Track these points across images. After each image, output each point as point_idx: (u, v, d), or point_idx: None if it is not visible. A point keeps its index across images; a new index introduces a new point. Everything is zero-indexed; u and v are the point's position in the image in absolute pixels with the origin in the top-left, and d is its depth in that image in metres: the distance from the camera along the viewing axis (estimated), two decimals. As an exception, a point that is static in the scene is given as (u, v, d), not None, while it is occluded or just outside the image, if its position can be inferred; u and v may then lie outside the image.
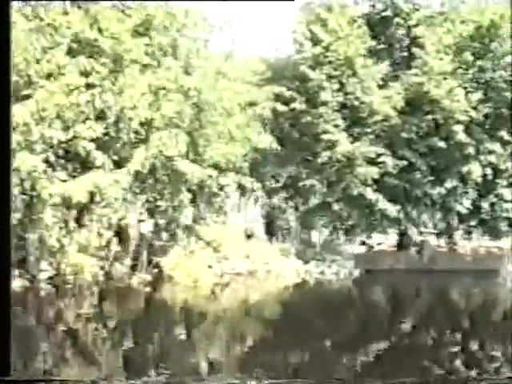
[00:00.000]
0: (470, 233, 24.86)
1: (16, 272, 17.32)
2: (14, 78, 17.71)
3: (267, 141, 21.91)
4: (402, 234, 24.25)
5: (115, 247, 17.68)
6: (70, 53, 18.68)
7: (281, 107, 22.05)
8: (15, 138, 16.80)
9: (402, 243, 24.48)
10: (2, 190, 4.03)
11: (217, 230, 21.23)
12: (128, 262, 18.26)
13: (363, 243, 25.87)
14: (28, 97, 17.61)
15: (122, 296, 17.42)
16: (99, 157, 18.31)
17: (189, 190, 19.98)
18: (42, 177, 16.73)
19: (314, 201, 22.60)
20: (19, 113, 16.66)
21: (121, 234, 18.05)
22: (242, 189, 22.10)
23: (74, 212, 17.21)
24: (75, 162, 18.48)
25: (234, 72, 21.10)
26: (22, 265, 17.41)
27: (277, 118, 22.65)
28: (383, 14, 23.86)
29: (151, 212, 19.63)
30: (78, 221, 17.46)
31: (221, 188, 21.35)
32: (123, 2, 20.92)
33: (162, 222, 19.95)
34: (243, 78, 21.54)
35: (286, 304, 18.93)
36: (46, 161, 17.15)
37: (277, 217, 25.11)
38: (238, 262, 20.96)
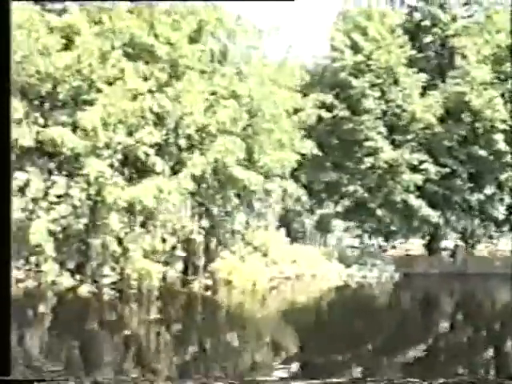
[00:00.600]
0: (502, 237, 25.51)
1: (77, 277, 17.67)
2: (76, 83, 17.92)
3: (309, 146, 22.32)
4: (432, 239, 24.82)
5: (179, 252, 17.95)
6: (127, 58, 18.92)
7: (325, 114, 22.42)
8: (83, 143, 17.06)
9: (433, 247, 25.06)
10: (2, 192, 3.98)
11: (263, 235, 21.57)
12: (190, 266, 18.56)
13: (393, 247, 26.42)
14: (89, 102, 17.85)
15: (185, 300, 17.72)
16: (158, 162, 18.59)
17: (237, 196, 20.32)
18: (109, 182, 16.97)
19: (354, 206, 23.10)
20: (87, 118, 16.89)
21: (182, 239, 18.31)
22: (284, 194, 22.42)
23: (139, 217, 17.45)
24: (132, 167, 18.71)
25: (282, 78, 21.43)
26: (84, 270, 17.63)
27: (318, 124, 23.04)
28: (422, 23, 24.38)
29: (200, 217, 19.85)
30: (143, 226, 17.70)
31: (267, 193, 21.71)
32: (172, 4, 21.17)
33: (212, 226, 20.19)
34: (286, 84, 21.86)
35: (337, 306, 19.47)
36: (111, 166, 17.42)
37: (295, 220, 25.40)
38: (286, 265, 21.33)
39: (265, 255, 21.18)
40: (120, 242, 17.38)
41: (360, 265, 22.65)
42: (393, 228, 23.34)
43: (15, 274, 17.33)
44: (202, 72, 19.77)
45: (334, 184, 23.37)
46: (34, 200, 17.13)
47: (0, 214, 3.94)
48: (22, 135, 17.24)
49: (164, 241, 17.72)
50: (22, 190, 17.32)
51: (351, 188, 22.75)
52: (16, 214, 17.20)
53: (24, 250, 17.50)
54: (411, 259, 24.91)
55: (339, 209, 23.63)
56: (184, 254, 18.23)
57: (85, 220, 16.98)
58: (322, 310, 18.86)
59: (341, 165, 23.28)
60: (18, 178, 17.25)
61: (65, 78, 17.64)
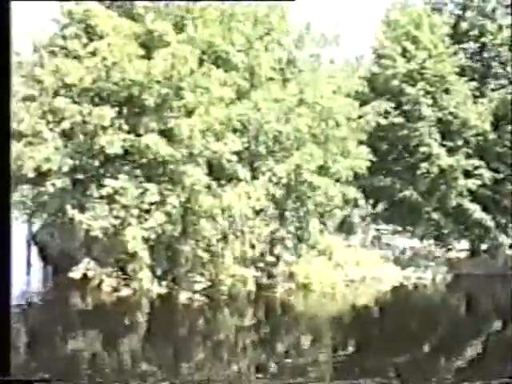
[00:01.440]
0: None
1: (165, 283, 17.90)
2: (164, 90, 18.04)
3: (364, 152, 22.91)
4: (480, 241, 25.77)
5: (269, 257, 18.38)
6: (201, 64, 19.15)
7: (382, 121, 23.03)
8: (182, 151, 17.25)
9: (478, 249, 26.03)
10: (2, 192, 3.96)
11: (326, 239, 22.12)
12: (275, 271, 19.00)
13: (448, 249, 27.12)
14: (178, 109, 18.02)
15: (273, 305, 18.19)
16: (240, 169, 18.93)
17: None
18: (203, 189, 17.25)
19: (408, 210, 23.91)
20: (183, 125, 17.08)
21: (268, 244, 18.75)
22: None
23: (228, 223, 17.76)
24: (216, 174, 18.97)
25: (348, 86, 21.94)
26: (173, 277, 17.88)
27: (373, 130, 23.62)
28: (470, 33, 25.23)
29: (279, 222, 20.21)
30: (233, 232, 18.03)
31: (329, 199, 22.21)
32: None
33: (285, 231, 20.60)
34: (349, 91, 22.38)
35: (400, 307, 20.33)
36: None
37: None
38: (350, 268, 21.95)
39: (329, 259, 21.77)
40: (210, 248, 17.73)
41: (414, 267, 23.48)
42: (444, 231, 24.20)
43: (110, 281, 17.56)
44: (276, 80, 20.16)
45: (387, 188, 24.05)
46: (125, 207, 17.29)
47: (0, 215, 3.95)
48: (110, 142, 17.38)
49: (253, 247, 18.12)
50: (111, 197, 17.47)
51: (407, 193, 23.51)
52: (106, 221, 17.43)
53: (116, 257, 17.74)
54: (458, 261, 25.81)
55: (391, 212, 24.40)
56: (274, 259, 18.67)
57: (179, 227, 17.25)
58: (389, 310, 19.70)
59: (393, 170, 23.97)
60: (108, 185, 17.39)
61: (152, 85, 17.78)
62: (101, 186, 17.49)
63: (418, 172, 23.46)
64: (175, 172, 17.34)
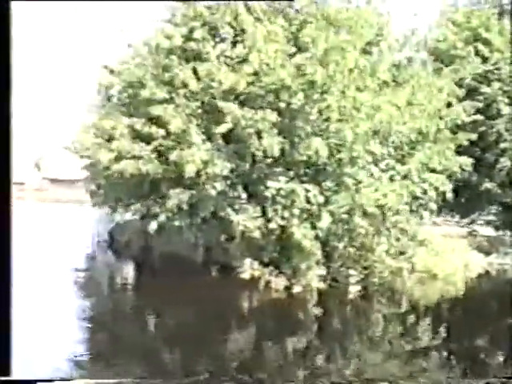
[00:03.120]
0: None
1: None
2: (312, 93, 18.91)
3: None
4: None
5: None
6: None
7: (466, 118, 24.74)
8: (346, 154, 18.28)
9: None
10: (3, 193, 4.08)
11: (424, 230, 23.74)
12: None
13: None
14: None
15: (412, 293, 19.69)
16: (374, 169, 20.17)
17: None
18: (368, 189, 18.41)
19: (486, 201, 25.94)
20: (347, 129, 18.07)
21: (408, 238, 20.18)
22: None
23: (379, 219, 19.01)
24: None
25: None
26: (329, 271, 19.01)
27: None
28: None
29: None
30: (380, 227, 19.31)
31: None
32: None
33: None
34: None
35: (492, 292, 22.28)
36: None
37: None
38: (449, 256, 23.68)
39: (430, 248, 23.42)
40: (363, 243, 18.98)
41: (496, 253, 25.56)
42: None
43: (277, 280, 18.42)
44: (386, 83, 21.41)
45: (467, 181, 25.88)
46: (287, 208, 18.22)
47: (1, 216, 4.09)
48: (270, 145, 18.19)
49: (398, 240, 19.52)
50: (273, 199, 18.34)
51: (488, 185, 25.51)
52: (260, 222, 18.34)
53: (279, 256, 18.67)
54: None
55: (472, 203, 26.37)
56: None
57: (340, 226, 18.37)
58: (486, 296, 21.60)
59: (475, 164, 25.79)
60: (270, 187, 18.24)
61: (298, 89, 18.62)
62: (263, 187, 18.35)
63: (498, 166, 25.46)
64: (335, 174, 18.43)
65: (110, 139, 20.75)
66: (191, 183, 18.72)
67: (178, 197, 18.58)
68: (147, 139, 20.17)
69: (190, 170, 17.80)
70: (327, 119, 18.68)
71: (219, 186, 18.20)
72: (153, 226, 19.13)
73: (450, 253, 23.96)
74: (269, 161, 18.56)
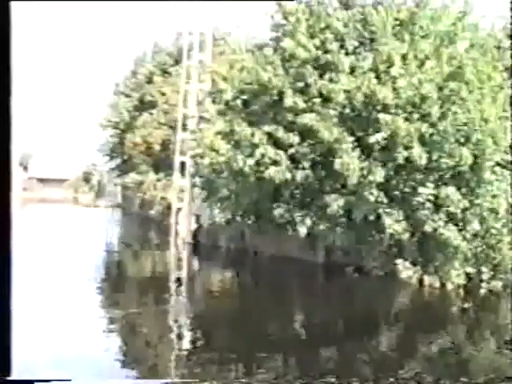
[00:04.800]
0: None
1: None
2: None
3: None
4: None
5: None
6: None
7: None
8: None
9: None
10: (3, 194, 4.06)
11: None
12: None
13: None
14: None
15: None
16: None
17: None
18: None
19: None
20: None
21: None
22: None
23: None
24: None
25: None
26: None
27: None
28: None
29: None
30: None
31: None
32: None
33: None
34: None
35: None
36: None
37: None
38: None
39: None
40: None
41: None
42: None
43: (429, 279, 19.68)
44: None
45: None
46: (435, 211, 19.53)
47: (1, 216, 4.09)
48: (419, 154, 19.44)
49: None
50: (423, 204, 19.59)
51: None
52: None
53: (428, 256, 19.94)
54: None
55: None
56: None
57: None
58: None
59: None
60: (422, 193, 19.53)
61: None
62: (412, 193, 19.64)
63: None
64: (475, 180, 19.82)
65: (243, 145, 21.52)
66: (349, 190, 19.74)
67: (336, 203, 19.55)
68: (285, 146, 21.08)
69: (353, 178, 18.86)
70: (468, 129, 20.00)
71: (376, 192, 19.32)
72: (302, 230, 20.08)
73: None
74: (416, 168, 19.78)
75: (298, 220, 20.46)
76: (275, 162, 20.80)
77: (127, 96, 50.80)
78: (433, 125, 19.76)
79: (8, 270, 4.09)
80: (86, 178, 79.42)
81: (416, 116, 20.08)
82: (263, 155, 20.73)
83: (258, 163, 20.90)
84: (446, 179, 19.91)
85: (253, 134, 21.12)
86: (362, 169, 19.27)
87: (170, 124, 42.18)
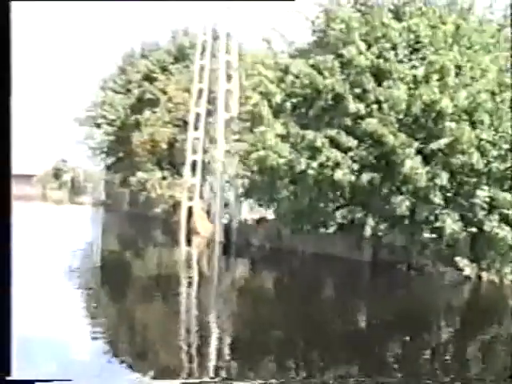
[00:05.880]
0: None
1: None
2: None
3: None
4: None
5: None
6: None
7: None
8: None
9: None
10: (3, 194, 4.05)
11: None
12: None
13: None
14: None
15: None
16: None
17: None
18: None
19: None
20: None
21: None
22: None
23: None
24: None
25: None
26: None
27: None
28: None
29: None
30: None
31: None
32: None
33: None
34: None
35: None
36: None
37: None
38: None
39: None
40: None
41: None
42: None
43: (487, 275, 21.00)
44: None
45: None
46: (490, 212, 20.92)
47: (0, 215, 4.03)
48: (477, 160, 20.74)
49: None
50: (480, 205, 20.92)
51: None
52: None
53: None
54: None
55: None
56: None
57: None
58: None
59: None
60: (479, 195, 20.86)
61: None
62: (469, 195, 20.94)
63: None
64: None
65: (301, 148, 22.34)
66: (410, 192, 20.88)
67: (404, 204, 20.64)
68: (344, 150, 22.01)
69: (421, 181, 20.00)
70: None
71: (439, 194, 20.54)
72: (367, 230, 21.09)
73: None
74: (472, 172, 21.10)
75: (361, 221, 21.47)
76: (337, 165, 21.70)
77: (119, 93, 50.47)
78: (485, 131, 21.16)
79: (8, 270, 4.05)
80: (56, 174, 78.11)
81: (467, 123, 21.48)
82: (328, 158, 21.59)
83: (321, 165, 21.75)
84: (498, 182, 21.40)
85: (315, 138, 21.94)
86: (427, 172, 20.45)
87: (174, 123, 42.46)
